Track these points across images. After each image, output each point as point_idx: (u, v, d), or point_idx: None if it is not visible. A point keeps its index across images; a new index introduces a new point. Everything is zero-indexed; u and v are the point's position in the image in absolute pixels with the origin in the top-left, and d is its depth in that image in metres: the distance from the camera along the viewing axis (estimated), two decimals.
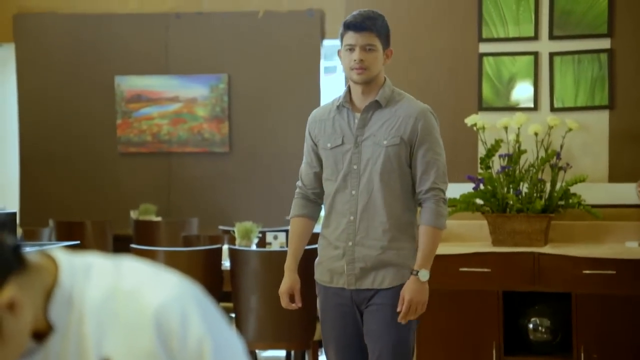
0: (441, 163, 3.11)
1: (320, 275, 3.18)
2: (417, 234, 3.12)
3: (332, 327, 3.15)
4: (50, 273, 1.14)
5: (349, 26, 3.09)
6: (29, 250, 1.14)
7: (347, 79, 3.25)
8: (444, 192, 3.11)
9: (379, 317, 3.06)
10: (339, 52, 3.17)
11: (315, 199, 3.26)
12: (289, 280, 3.18)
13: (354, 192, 3.10)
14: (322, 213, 3.28)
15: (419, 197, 3.12)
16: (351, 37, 3.07)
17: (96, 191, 8.06)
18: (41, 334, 1.13)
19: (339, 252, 3.12)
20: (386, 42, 3.12)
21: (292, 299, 3.17)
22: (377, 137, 3.09)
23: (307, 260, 3.33)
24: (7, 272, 1.06)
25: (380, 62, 3.10)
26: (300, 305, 3.19)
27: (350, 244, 3.10)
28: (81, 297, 1.14)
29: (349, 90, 3.18)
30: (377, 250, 3.08)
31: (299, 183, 3.30)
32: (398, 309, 3.03)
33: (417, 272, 3.05)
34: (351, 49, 3.07)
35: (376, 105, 3.12)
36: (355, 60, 3.06)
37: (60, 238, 6.56)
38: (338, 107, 3.18)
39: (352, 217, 3.10)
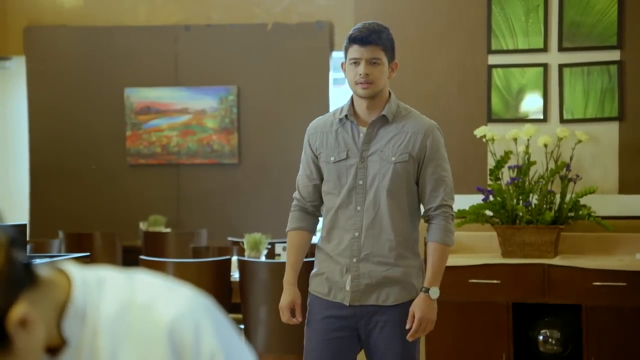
0: (449, 179, 3.09)
1: (317, 286, 3.12)
2: (419, 250, 3.10)
3: (320, 338, 3.06)
4: (63, 288, 1.14)
5: (354, 39, 3.04)
6: (41, 265, 1.15)
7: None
8: (452, 208, 3.09)
9: (384, 334, 3.02)
10: (342, 64, 3.12)
11: (313, 212, 3.20)
12: (290, 294, 3.11)
13: (359, 208, 3.04)
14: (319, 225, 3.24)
15: (427, 213, 3.09)
16: (356, 50, 3.02)
17: (105, 202, 8.08)
18: (55, 349, 1.14)
19: (341, 267, 3.06)
20: (391, 55, 3.08)
21: (292, 313, 3.12)
22: (385, 153, 3.04)
23: (308, 273, 3.27)
24: (19, 289, 1.06)
25: (385, 76, 3.06)
26: (300, 319, 3.13)
27: (354, 260, 3.04)
28: (95, 311, 1.15)
29: (352, 103, 3.12)
30: (384, 267, 3.03)
31: (296, 195, 3.23)
32: (407, 326, 2.99)
33: (428, 289, 3.01)
34: (356, 62, 3.03)
35: (383, 120, 3.08)
36: (360, 75, 3.01)
37: (69, 249, 6.57)
38: (341, 119, 3.12)
39: (356, 233, 3.04)
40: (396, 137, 3.06)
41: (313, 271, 3.16)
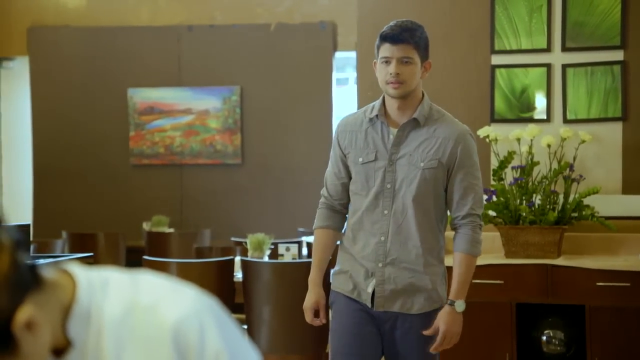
0: (479, 188, 2.99)
1: (341, 284, 3.04)
2: (444, 256, 3.03)
3: (349, 330, 2.98)
4: (67, 289, 1.14)
5: (385, 37, 2.93)
6: (46, 267, 1.15)
7: (382, 92, 3.09)
8: (481, 218, 3.00)
9: (406, 342, 2.96)
10: (374, 63, 3.01)
11: (341, 210, 3.12)
12: (315, 295, 3.03)
13: (385, 212, 2.96)
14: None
15: (455, 222, 3.00)
16: (387, 49, 2.92)
17: (109, 203, 8.09)
18: (60, 350, 1.14)
19: (366, 270, 2.99)
20: (425, 55, 2.97)
21: (316, 314, 3.04)
22: (414, 158, 2.95)
23: (326, 273, 3.25)
24: (24, 292, 1.07)
25: (417, 76, 2.95)
26: (325, 321, 3.05)
27: (380, 265, 2.97)
28: (99, 312, 1.15)
29: (383, 103, 3.02)
30: (410, 273, 2.95)
31: (324, 192, 3.13)
32: (430, 335, 2.93)
33: (454, 302, 2.95)
34: (387, 61, 2.92)
35: (414, 124, 2.98)
36: (391, 74, 2.90)
37: (73, 250, 6.58)
38: (371, 119, 3.02)
39: (382, 238, 2.96)
40: (426, 141, 2.96)
41: (336, 269, 3.09)
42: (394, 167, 2.96)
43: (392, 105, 2.99)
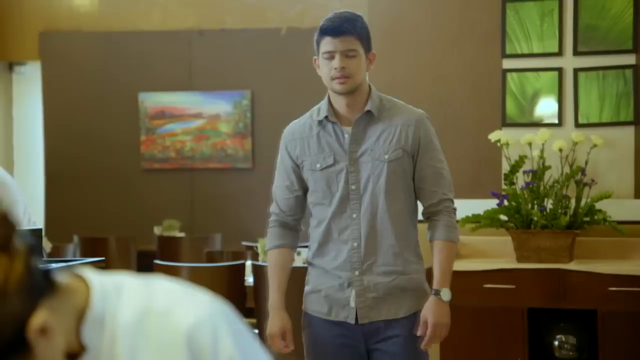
0: (447, 172, 2.84)
1: (315, 305, 2.84)
2: (420, 252, 2.86)
3: None
4: (82, 294, 1.15)
5: (326, 31, 2.78)
6: (60, 271, 1.15)
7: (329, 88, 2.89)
8: (453, 202, 2.85)
9: (395, 351, 2.76)
10: (315, 60, 2.85)
11: (295, 225, 2.92)
12: (280, 320, 2.83)
13: (354, 215, 2.78)
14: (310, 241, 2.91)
15: (428, 210, 2.84)
16: (329, 42, 2.76)
17: (120, 207, 8.11)
18: (74, 355, 1.14)
19: (342, 282, 2.79)
20: (368, 45, 2.80)
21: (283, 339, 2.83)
22: (376, 152, 2.78)
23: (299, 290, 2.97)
24: (38, 297, 1.07)
25: (363, 69, 2.79)
26: (292, 348, 2.84)
27: (356, 273, 2.78)
28: (113, 318, 1.15)
29: (329, 103, 2.84)
30: (390, 276, 2.78)
31: (274, 209, 2.93)
32: (419, 333, 2.76)
33: (439, 291, 2.77)
34: (330, 56, 2.76)
35: (368, 117, 2.81)
36: (336, 69, 2.74)
37: (84, 254, 6.59)
38: (320, 122, 2.84)
39: (355, 244, 2.78)
40: (385, 132, 2.80)
41: (307, 289, 2.89)
42: (357, 166, 2.79)
43: (340, 103, 2.82)
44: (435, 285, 2.79)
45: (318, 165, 2.82)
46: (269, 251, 2.94)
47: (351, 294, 2.78)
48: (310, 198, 2.87)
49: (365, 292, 2.78)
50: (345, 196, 2.80)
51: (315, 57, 2.85)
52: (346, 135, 2.81)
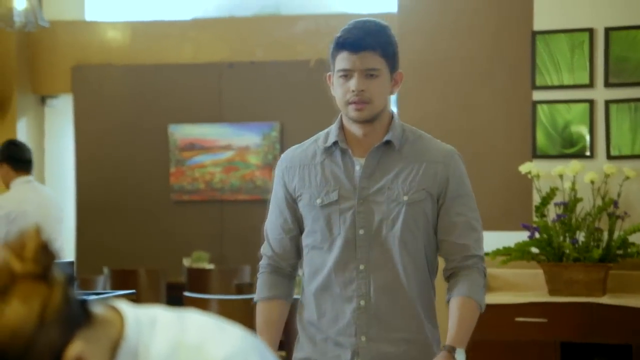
0: (479, 224, 2.35)
1: None
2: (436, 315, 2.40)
3: None
4: (116, 326, 1.15)
5: (343, 45, 2.27)
6: (95, 303, 1.16)
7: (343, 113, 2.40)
8: (484, 260, 2.35)
9: None
10: (328, 77, 2.34)
11: (290, 272, 2.42)
12: None
13: (362, 267, 2.27)
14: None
15: (453, 265, 2.33)
16: (346, 59, 2.26)
17: (150, 239, 8.15)
18: None
19: (344, 351, 2.29)
20: (393, 64, 2.30)
21: None
22: (393, 191, 2.29)
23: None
24: (75, 327, 1.08)
25: (386, 92, 2.30)
26: None
27: (363, 339, 2.27)
28: (146, 350, 1.16)
29: (341, 127, 2.35)
30: (406, 344, 2.29)
31: (265, 250, 2.44)
32: None
33: (454, 349, 2.23)
34: (346, 75, 2.27)
35: (387, 148, 2.31)
36: (353, 91, 2.25)
37: (114, 286, 6.62)
38: (328, 148, 2.35)
39: (362, 302, 2.27)
40: (407, 168, 2.30)
41: (296, 357, 2.40)
42: (368, 206, 2.28)
43: (354, 131, 2.33)
44: (449, 342, 2.25)
45: (319, 201, 2.32)
46: (259, 303, 2.43)
47: None
48: (306, 240, 2.36)
49: None
50: (351, 242, 2.29)
51: (329, 72, 2.35)
52: (357, 167, 2.32)
